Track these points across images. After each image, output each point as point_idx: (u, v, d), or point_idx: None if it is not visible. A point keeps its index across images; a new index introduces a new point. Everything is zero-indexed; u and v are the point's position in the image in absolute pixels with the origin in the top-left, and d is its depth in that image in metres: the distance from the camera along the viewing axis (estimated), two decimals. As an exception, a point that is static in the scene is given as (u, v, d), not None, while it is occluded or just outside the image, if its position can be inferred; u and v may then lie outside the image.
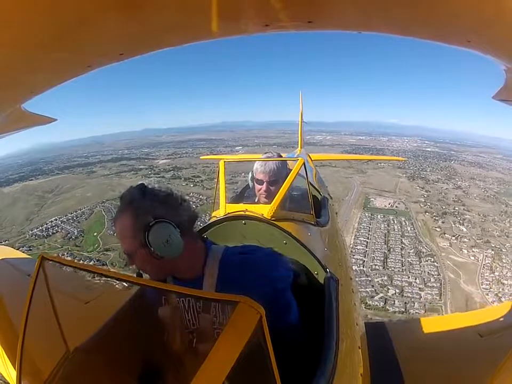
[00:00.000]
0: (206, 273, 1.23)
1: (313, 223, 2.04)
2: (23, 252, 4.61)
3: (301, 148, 7.57)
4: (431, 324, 2.39)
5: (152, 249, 1.13)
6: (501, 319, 2.23)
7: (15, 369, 0.93)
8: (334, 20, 0.98)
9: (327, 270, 1.58)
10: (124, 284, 0.85)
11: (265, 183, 2.20)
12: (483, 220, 57.07)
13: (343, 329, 1.25)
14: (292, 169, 2.17)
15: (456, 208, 62.71)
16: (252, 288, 0.93)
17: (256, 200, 2.29)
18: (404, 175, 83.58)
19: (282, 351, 0.81)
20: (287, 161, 2.44)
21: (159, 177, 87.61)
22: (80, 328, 1.13)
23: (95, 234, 54.99)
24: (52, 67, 1.04)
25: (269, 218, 1.75)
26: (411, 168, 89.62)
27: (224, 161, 2.22)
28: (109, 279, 0.87)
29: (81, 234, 55.91)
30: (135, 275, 1.18)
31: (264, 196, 2.20)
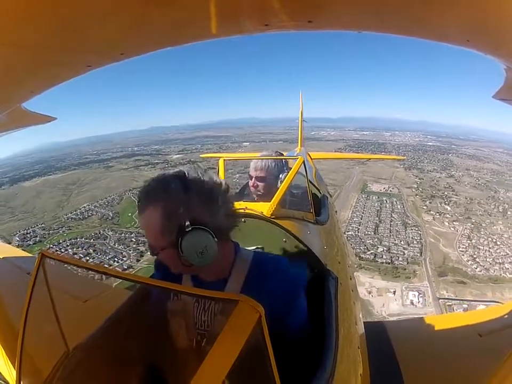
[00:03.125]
0: (232, 277, 1.14)
1: (312, 221, 2.04)
2: (23, 250, 4.78)
3: (300, 146, 7.50)
4: (431, 324, 2.39)
5: (182, 255, 1.01)
6: (501, 319, 2.23)
7: (14, 368, 0.90)
8: (334, 19, 0.98)
9: (327, 268, 1.57)
10: (125, 281, 0.83)
11: (253, 178, 2.27)
12: (469, 202, 62.03)
13: (342, 328, 1.22)
14: (291, 168, 2.18)
15: (445, 193, 67.32)
16: (276, 295, 1.01)
17: (255, 198, 2.30)
18: (402, 165, 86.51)
19: (286, 351, 0.84)
20: (287, 160, 2.50)
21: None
22: (80, 327, 1.08)
23: (130, 214, 59.49)
24: (52, 67, 1.04)
25: (269, 216, 1.71)
26: (409, 160, 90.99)
27: (224, 159, 2.21)
28: (109, 277, 0.86)
29: (116, 215, 60.62)
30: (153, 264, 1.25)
31: (252, 191, 2.29)
